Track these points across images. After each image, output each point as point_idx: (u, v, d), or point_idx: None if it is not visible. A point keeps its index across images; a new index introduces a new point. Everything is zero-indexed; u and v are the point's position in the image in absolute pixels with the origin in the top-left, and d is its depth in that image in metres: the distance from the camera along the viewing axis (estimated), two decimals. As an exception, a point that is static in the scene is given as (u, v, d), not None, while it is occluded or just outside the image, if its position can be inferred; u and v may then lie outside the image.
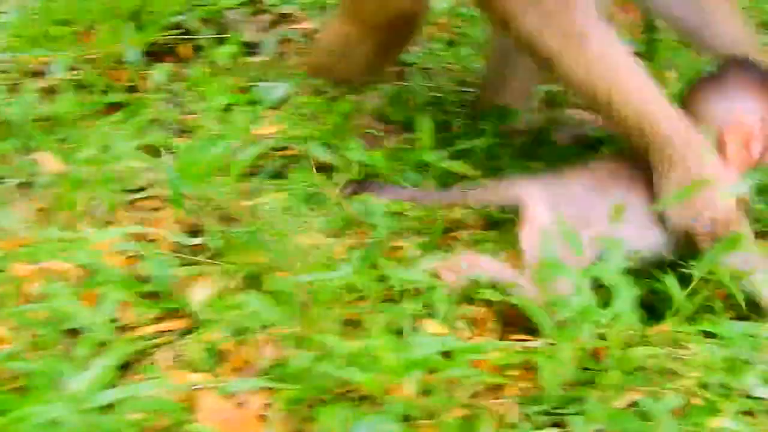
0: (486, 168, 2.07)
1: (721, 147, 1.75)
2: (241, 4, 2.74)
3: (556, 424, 1.44)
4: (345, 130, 2.11)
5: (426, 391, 1.43)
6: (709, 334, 1.58)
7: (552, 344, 1.49)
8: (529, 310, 1.54)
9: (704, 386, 1.48)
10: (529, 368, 1.51)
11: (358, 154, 2.03)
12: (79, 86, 2.33)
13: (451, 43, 2.70)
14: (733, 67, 1.83)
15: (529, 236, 1.69)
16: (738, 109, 1.76)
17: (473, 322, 1.62)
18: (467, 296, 1.64)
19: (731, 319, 1.62)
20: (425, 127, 2.02)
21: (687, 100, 1.82)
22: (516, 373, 1.52)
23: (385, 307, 1.56)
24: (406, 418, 1.38)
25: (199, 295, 1.62)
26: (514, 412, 1.46)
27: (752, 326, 1.59)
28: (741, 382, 1.49)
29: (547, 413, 1.45)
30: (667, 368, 1.51)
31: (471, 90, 2.44)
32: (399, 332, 1.52)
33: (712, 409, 1.42)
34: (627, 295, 1.56)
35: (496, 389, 1.49)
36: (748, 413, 1.46)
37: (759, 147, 1.76)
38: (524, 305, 1.55)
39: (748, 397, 1.49)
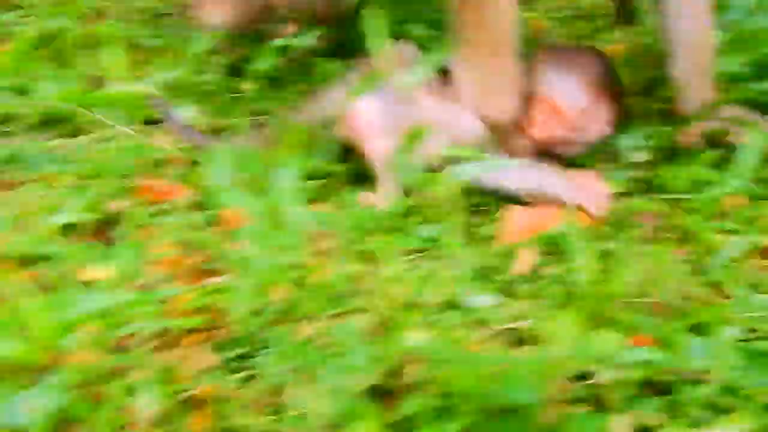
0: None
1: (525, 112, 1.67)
2: None
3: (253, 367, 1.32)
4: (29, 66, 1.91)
5: (109, 351, 1.29)
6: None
7: (233, 280, 1.36)
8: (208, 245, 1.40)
9: (405, 304, 1.38)
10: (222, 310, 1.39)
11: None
12: None
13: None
14: (584, 52, 1.73)
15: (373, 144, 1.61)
16: (561, 90, 1.66)
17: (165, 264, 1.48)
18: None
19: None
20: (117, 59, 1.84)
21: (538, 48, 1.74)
22: (210, 317, 1.39)
23: (43, 264, 1.40)
24: (80, 386, 1.24)
25: None
26: (208, 359, 1.33)
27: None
28: (450, 294, 1.40)
29: (242, 357, 1.33)
30: (366, 288, 1.41)
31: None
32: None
33: (408, 326, 1.32)
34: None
35: (189, 337, 1.36)
36: (462, 325, 1.37)
37: (557, 132, 1.67)
38: (202, 241, 1.41)
39: (460, 309, 1.41)
